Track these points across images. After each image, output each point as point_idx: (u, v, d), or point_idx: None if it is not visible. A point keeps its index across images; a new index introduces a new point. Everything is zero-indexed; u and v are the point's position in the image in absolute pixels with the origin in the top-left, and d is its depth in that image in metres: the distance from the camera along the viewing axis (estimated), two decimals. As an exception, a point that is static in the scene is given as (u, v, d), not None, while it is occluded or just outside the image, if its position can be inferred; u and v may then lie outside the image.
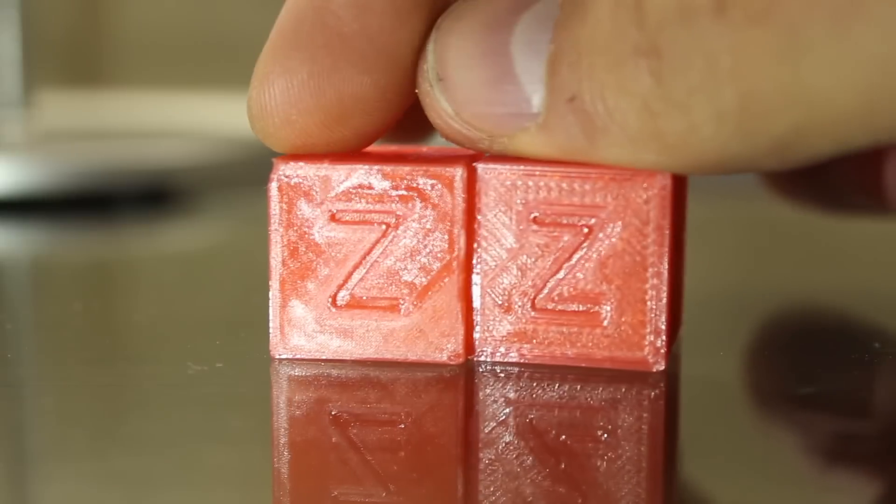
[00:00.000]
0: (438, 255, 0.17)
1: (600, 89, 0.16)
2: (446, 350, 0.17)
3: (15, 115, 0.44)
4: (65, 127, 0.45)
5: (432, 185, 0.17)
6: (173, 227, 0.36)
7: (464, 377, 0.17)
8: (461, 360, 0.18)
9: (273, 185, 0.18)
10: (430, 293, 0.17)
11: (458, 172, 0.17)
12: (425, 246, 0.17)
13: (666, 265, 0.17)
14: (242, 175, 0.39)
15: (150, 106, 0.50)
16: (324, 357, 0.18)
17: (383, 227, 0.17)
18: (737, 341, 0.21)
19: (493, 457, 0.15)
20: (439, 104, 0.17)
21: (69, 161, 0.36)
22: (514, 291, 0.17)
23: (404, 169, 0.17)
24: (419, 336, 0.18)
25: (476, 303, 0.17)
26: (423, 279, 0.17)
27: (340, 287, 0.18)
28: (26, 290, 0.27)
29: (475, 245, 0.17)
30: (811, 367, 0.19)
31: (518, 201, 0.17)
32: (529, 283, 0.17)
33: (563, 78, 0.16)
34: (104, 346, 0.21)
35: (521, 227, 0.17)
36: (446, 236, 0.17)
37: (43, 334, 0.22)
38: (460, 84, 0.17)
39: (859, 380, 0.18)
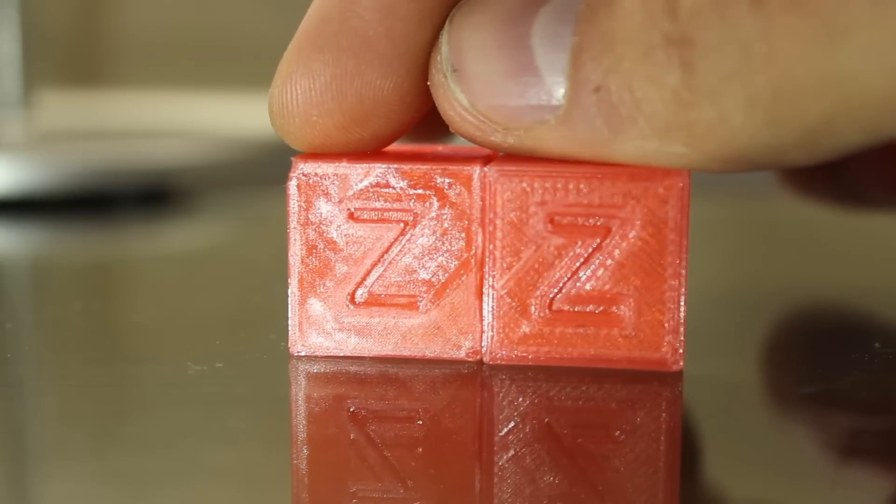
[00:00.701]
0: (456, 252, 0.17)
1: (628, 80, 0.16)
2: (464, 347, 0.18)
3: (15, 115, 0.44)
4: (65, 127, 0.45)
5: (450, 184, 0.17)
6: (173, 227, 0.36)
7: (481, 374, 0.17)
8: (479, 357, 0.18)
9: (292, 184, 0.18)
10: (447, 291, 0.18)
11: (476, 171, 0.17)
12: (443, 244, 0.17)
13: (684, 265, 0.17)
14: (242, 175, 0.39)
15: (150, 106, 0.50)
16: (342, 354, 0.18)
17: (401, 225, 0.18)
18: (742, 341, 0.21)
19: (510, 454, 0.15)
20: (453, 95, 0.17)
21: (69, 161, 0.36)
22: (531, 293, 0.17)
23: (422, 167, 0.17)
24: (437, 333, 0.18)
25: (493, 305, 0.17)
26: (441, 277, 0.17)
27: (359, 285, 0.18)
28: (26, 290, 0.27)
29: (491, 247, 0.17)
30: (821, 366, 0.19)
31: (534, 202, 0.17)
32: (546, 284, 0.17)
33: (589, 70, 0.16)
34: (104, 346, 0.21)
35: (537, 229, 0.17)
36: (463, 234, 0.17)
37: (43, 334, 0.22)
38: (477, 75, 0.17)
39: (864, 379, 0.18)
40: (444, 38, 0.17)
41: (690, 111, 0.16)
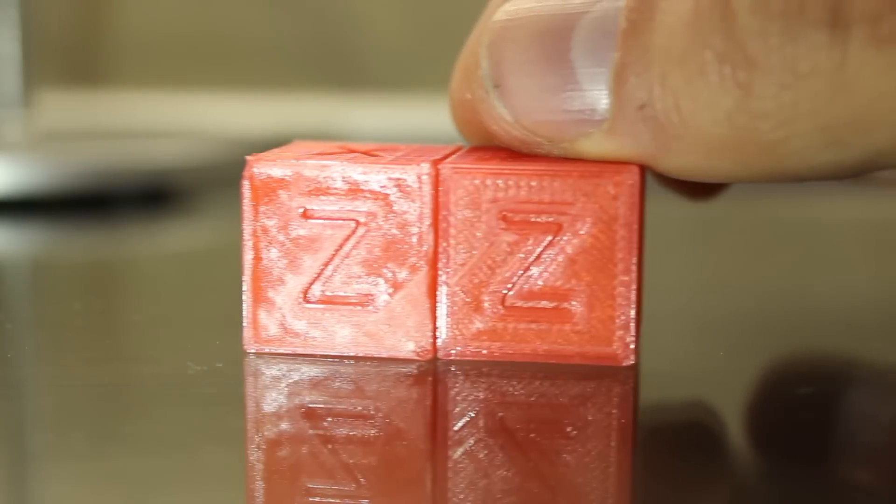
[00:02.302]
0: (407, 251, 0.18)
1: (674, 99, 0.16)
2: (416, 346, 0.18)
3: (15, 115, 0.44)
4: (65, 127, 0.45)
5: (401, 183, 0.17)
6: (173, 227, 0.36)
7: (435, 370, 0.18)
8: (430, 356, 0.18)
9: (245, 183, 0.18)
10: (399, 289, 0.18)
11: (426, 170, 0.17)
12: (394, 242, 0.18)
13: (635, 261, 0.17)
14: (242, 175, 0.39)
15: (150, 106, 0.50)
16: (295, 352, 0.18)
17: (353, 223, 0.18)
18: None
19: (463, 450, 0.15)
20: (497, 111, 0.17)
21: (69, 161, 0.36)
22: (484, 289, 0.17)
23: (373, 166, 0.18)
24: (389, 331, 0.18)
25: (446, 301, 0.18)
26: (393, 275, 0.18)
27: (312, 283, 0.18)
28: (26, 290, 0.27)
29: (445, 244, 0.17)
30: (809, 367, 0.19)
31: (487, 200, 0.17)
32: (499, 280, 0.17)
33: (632, 86, 0.16)
34: (104, 346, 0.21)
35: (489, 226, 0.17)
36: (415, 233, 0.17)
37: (43, 334, 0.22)
38: (519, 91, 0.17)
39: (858, 380, 0.18)
40: (484, 53, 0.17)
41: (745, 133, 0.16)
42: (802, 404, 0.17)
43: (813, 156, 0.16)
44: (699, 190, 0.21)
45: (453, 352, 0.18)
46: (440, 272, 0.18)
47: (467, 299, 0.18)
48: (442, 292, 0.18)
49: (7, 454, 0.15)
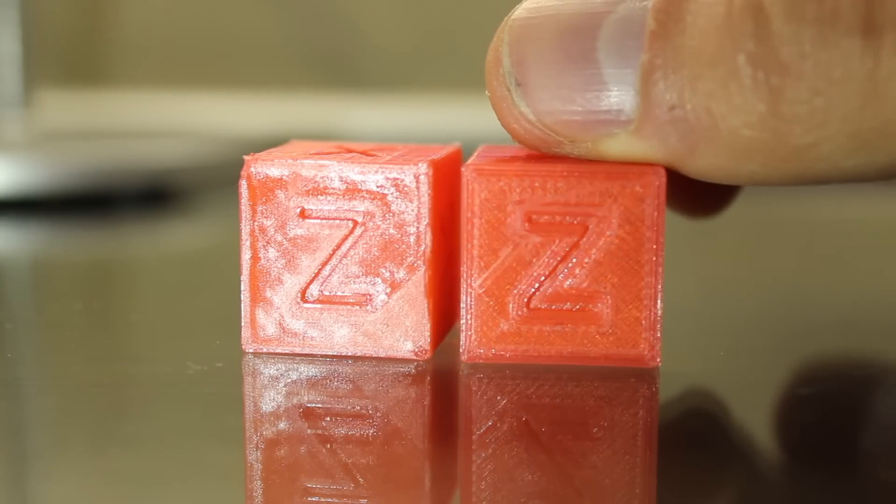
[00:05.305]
0: (406, 251, 0.18)
1: (706, 101, 0.16)
2: (414, 345, 0.18)
3: (15, 115, 0.44)
4: (65, 127, 0.45)
5: (400, 183, 0.17)
6: (173, 227, 0.36)
7: (430, 373, 0.18)
8: (427, 355, 0.18)
9: (243, 183, 0.18)
10: (397, 289, 0.18)
11: (424, 169, 0.17)
12: (393, 242, 0.18)
13: (661, 262, 0.17)
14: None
15: (150, 106, 0.50)
16: (293, 351, 0.18)
17: (351, 223, 0.18)
18: (726, 339, 0.21)
19: (488, 452, 0.15)
20: (518, 109, 0.17)
21: (69, 161, 0.36)
22: (509, 292, 0.17)
23: (372, 166, 0.18)
24: (386, 331, 0.18)
25: (471, 304, 0.17)
26: (391, 275, 0.18)
27: (310, 282, 0.18)
28: (26, 290, 0.27)
29: (469, 246, 0.17)
30: (811, 367, 0.19)
31: (512, 202, 0.17)
32: (525, 282, 0.17)
33: (662, 88, 0.16)
34: (104, 346, 0.21)
35: (515, 228, 0.17)
36: (413, 233, 0.18)
37: (43, 334, 0.22)
38: (542, 89, 0.17)
39: (859, 380, 0.18)
40: (505, 51, 0.17)
41: (776, 136, 0.16)
42: (821, 405, 0.17)
43: (841, 160, 0.16)
44: (698, 208, 0.21)
45: (477, 355, 0.18)
46: (464, 274, 0.17)
47: (491, 302, 0.17)
48: (466, 295, 0.17)
49: (7, 453, 0.15)
